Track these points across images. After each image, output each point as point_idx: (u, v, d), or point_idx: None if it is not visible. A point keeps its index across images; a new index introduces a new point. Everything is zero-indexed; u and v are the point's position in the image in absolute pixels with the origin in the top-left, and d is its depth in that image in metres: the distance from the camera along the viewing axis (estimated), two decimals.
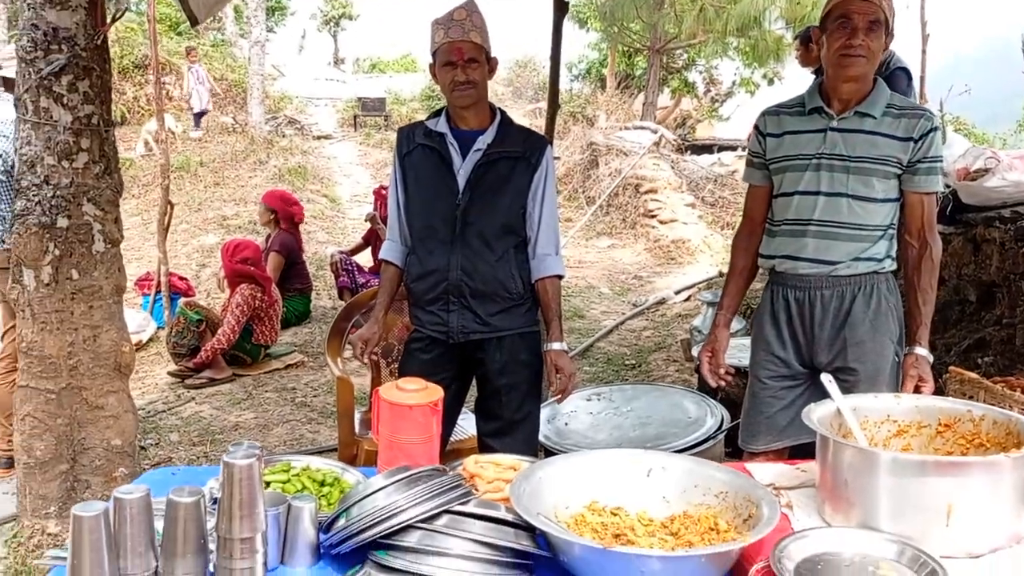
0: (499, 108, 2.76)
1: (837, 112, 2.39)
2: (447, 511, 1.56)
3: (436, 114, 2.73)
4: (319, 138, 15.28)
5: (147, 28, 18.32)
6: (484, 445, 2.75)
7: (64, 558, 1.63)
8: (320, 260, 8.31)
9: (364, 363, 2.98)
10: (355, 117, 16.38)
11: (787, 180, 2.48)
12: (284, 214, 6.47)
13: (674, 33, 16.27)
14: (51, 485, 3.19)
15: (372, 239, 7.00)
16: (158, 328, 6.38)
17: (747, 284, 2.73)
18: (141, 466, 3.46)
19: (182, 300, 6.60)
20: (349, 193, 11.90)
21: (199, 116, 14.62)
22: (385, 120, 16.00)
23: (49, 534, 3.17)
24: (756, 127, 2.63)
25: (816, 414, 1.82)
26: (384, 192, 6.41)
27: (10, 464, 3.92)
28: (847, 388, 1.92)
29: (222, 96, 15.75)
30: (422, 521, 1.54)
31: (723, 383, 2.65)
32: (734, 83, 22.47)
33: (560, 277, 2.76)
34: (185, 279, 6.96)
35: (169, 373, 5.50)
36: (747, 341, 3.55)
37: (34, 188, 3.08)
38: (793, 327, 2.51)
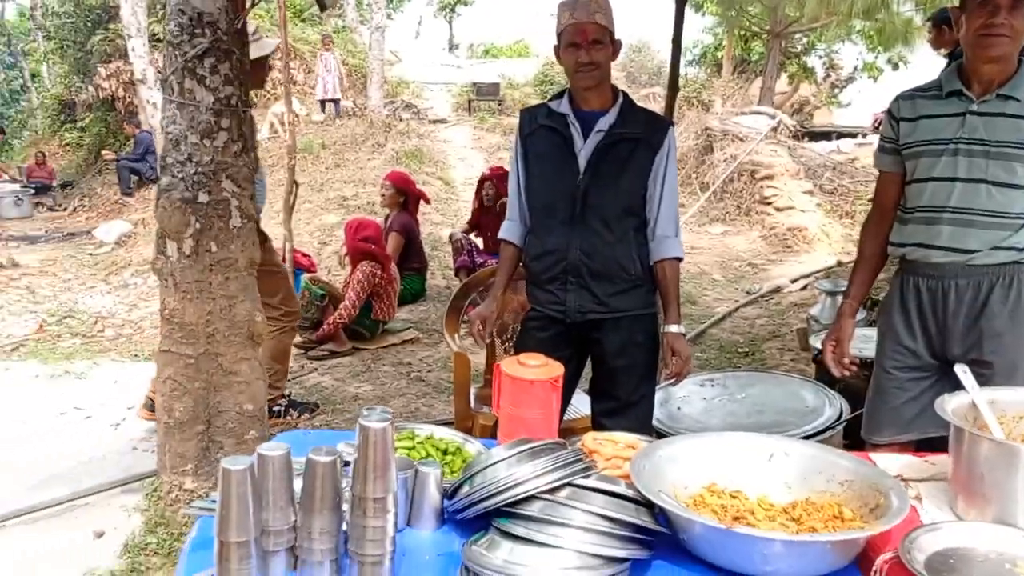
0: (621, 90, 2.77)
1: (977, 95, 2.29)
2: (569, 484, 1.60)
3: (559, 95, 2.76)
4: (434, 122, 15.52)
5: (274, 16, 18.96)
6: (598, 425, 2.78)
7: (209, 509, 1.76)
8: (435, 240, 8.47)
9: (480, 342, 3.04)
10: (469, 101, 16.56)
11: (921, 166, 2.40)
12: (414, 196, 6.65)
13: (795, 16, 15.77)
14: (188, 444, 3.39)
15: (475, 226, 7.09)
16: None
17: (875, 273, 2.66)
18: (269, 431, 3.63)
19: (305, 276, 6.85)
20: (463, 176, 12.07)
21: (323, 103, 15.05)
22: (499, 104, 16.12)
23: (185, 490, 3.37)
24: (889, 111, 2.55)
25: (949, 405, 1.77)
26: (492, 174, 6.49)
27: (280, 414, 4.34)
28: (982, 382, 1.84)
29: (348, 85, 16.14)
30: (544, 492, 1.58)
31: (847, 373, 2.59)
32: (856, 68, 21.66)
33: (679, 259, 2.76)
34: (308, 256, 7.20)
35: (294, 344, 5.74)
36: (868, 331, 3.46)
37: (178, 165, 3.27)
38: (924, 317, 2.43)
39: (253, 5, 3.38)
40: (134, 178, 13.75)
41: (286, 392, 4.50)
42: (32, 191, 14.84)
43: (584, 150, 2.64)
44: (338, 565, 1.55)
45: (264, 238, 4.24)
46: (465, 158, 13.11)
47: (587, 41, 2.55)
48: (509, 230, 2.89)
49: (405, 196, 6.73)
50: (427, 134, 14.19)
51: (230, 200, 3.32)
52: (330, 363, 5.53)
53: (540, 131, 2.74)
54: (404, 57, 22.02)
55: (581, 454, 1.72)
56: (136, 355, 5.90)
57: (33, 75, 31.87)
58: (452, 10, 33.81)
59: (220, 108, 3.25)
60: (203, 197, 3.27)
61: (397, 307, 6.13)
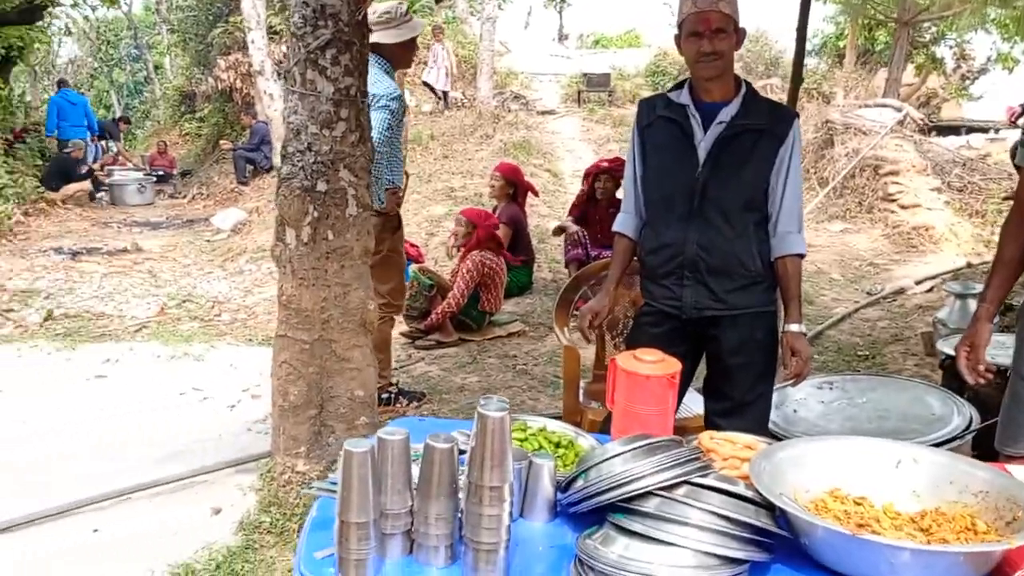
0: (745, 80, 2.69)
1: None
2: (686, 481, 1.57)
3: (679, 85, 2.70)
4: (543, 113, 15.51)
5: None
6: (712, 425, 2.71)
7: (330, 490, 1.79)
8: (541, 233, 8.47)
9: (589, 337, 3.00)
10: (579, 92, 16.49)
11: None
12: (523, 187, 6.65)
13: (925, 4, 15.09)
14: (301, 428, 3.48)
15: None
16: None
17: (1016, 276, 2.50)
18: (378, 417, 3.69)
19: (414, 266, 6.95)
20: (571, 168, 12.03)
21: (435, 92, 15.22)
22: (609, 96, 16.00)
23: (297, 472, 3.46)
24: None
25: None
26: (611, 165, 6.41)
27: (389, 401, 4.45)
28: None
29: (458, 76, 16.29)
30: (661, 489, 1.55)
31: (982, 381, 2.46)
32: (989, 59, 20.57)
33: (802, 256, 2.67)
34: (416, 246, 7.31)
35: (401, 333, 5.81)
36: (1001, 337, 3.28)
37: (298, 154, 3.34)
38: None
39: None
40: (249, 167, 14.21)
41: (394, 380, 4.57)
42: (154, 179, 15.51)
43: (704, 142, 2.58)
44: (453, 551, 1.56)
45: (398, 224, 4.34)
46: (573, 150, 13.06)
47: (710, 30, 2.49)
48: (624, 223, 2.85)
49: (514, 188, 6.76)
50: (535, 125, 14.19)
51: (347, 189, 3.38)
52: (436, 353, 5.60)
53: (659, 122, 2.69)
54: (513, 48, 22.12)
55: (699, 452, 1.68)
56: (250, 339, 6.09)
57: (156, 67, 33.41)
58: (563, 0, 33.77)
59: (340, 98, 3.30)
60: (321, 186, 3.34)
61: (504, 299, 6.15)
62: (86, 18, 27.85)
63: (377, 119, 3.96)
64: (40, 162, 15.27)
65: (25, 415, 4.53)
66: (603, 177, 6.19)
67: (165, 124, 24.98)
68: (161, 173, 16.52)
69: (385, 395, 4.40)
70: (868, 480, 1.68)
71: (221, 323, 6.63)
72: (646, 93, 16.67)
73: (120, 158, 17.96)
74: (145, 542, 3.25)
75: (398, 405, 4.47)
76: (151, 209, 13.93)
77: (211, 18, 18.41)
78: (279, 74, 10.58)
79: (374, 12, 4.16)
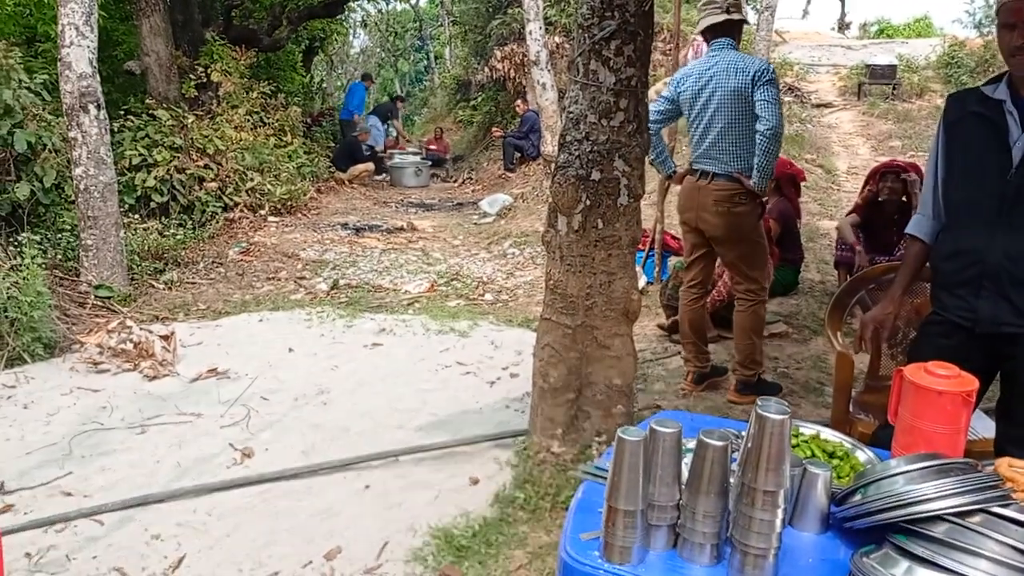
0: None
1: None
2: (983, 510, 1.45)
3: (995, 79, 2.47)
4: (818, 106, 14.74)
5: None
6: (1003, 452, 2.46)
7: (595, 474, 1.82)
8: (811, 231, 8.09)
9: (869, 347, 2.83)
10: (859, 85, 15.51)
11: None
12: (786, 179, 6.37)
13: None
14: (558, 410, 3.57)
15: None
16: (648, 282, 6.76)
17: None
18: (634, 406, 3.70)
19: (673, 258, 6.89)
20: (846, 165, 11.36)
21: None
22: (893, 90, 14.91)
23: (552, 452, 3.56)
24: None
25: None
26: (891, 167, 5.97)
27: (701, 379, 4.63)
28: None
29: None
30: (952, 514, 1.45)
31: None
32: None
33: None
34: (677, 238, 7.22)
35: (658, 326, 5.79)
36: None
37: (575, 143, 3.42)
38: None
39: None
40: (517, 154, 14.70)
41: (760, 370, 4.56)
42: (430, 163, 16.47)
43: (1020, 142, 2.34)
44: (719, 551, 1.54)
45: (762, 211, 4.36)
46: (850, 146, 12.32)
47: (1022, 21, 2.26)
48: (918, 225, 2.68)
49: (776, 181, 6.44)
50: (809, 119, 13.53)
51: (620, 179, 3.41)
52: None
53: (969, 119, 2.47)
54: (789, 38, 21.21)
55: (997, 479, 1.55)
56: (510, 320, 6.32)
57: (436, 57, 35.40)
58: None
59: (620, 89, 3.33)
60: (595, 175, 3.39)
61: (768, 298, 5.92)
62: (380, 11, 30.07)
63: (771, 95, 4.04)
64: (332, 144, 16.73)
65: (312, 375, 4.99)
66: (890, 177, 5.77)
67: (441, 111, 26.43)
68: (436, 158, 17.51)
69: (753, 380, 4.46)
70: None
71: (484, 302, 6.94)
72: (936, 87, 15.38)
73: (400, 139, 19.23)
74: (409, 502, 3.49)
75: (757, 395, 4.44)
76: (425, 191, 14.80)
77: (490, 10, 19.18)
78: (553, 64, 10.83)
79: None
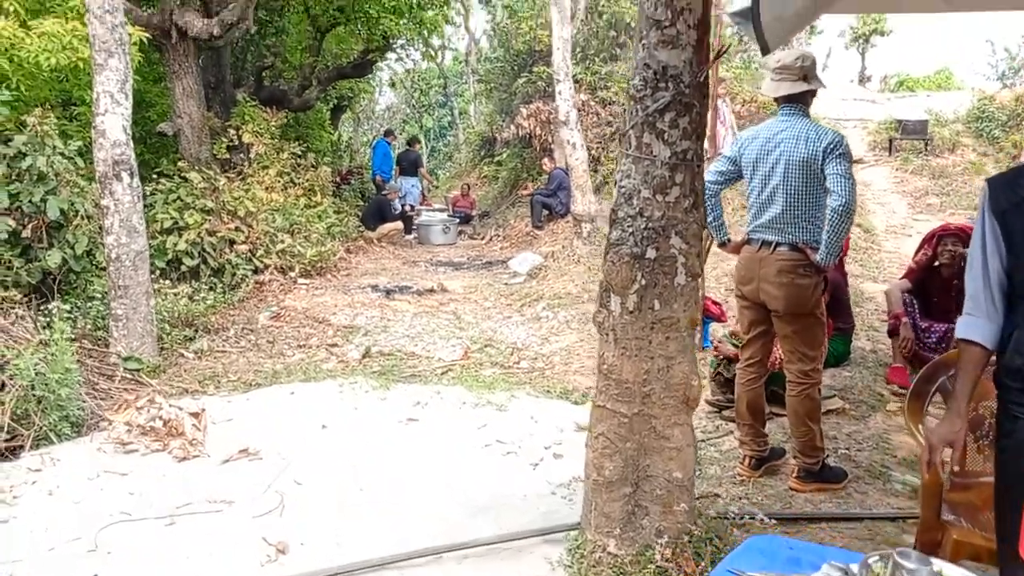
0: None
1: None
2: None
3: None
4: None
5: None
6: None
7: None
8: (855, 295, 7.83)
9: (941, 471, 2.54)
10: (890, 140, 15.32)
11: None
12: None
13: None
14: (614, 505, 3.33)
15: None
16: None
17: None
18: (695, 501, 3.45)
19: (715, 325, 6.66)
20: (884, 224, 11.10)
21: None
22: (926, 145, 14.69)
23: (609, 552, 3.30)
24: None
25: None
26: (949, 229, 5.75)
27: (759, 465, 4.39)
28: None
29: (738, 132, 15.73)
30: None
31: None
32: None
33: None
34: (718, 304, 7.01)
35: (706, 401, 5.53)
36: None
37: (628, 219, 3.23)
38: None
39: (718, 57, 3.25)
40: (545, 212, 14.58)
41: (823, 456, 4.29)
42: (457, 220, 16.40)
43: None
44: None
45: (825, 285, 4.17)
46: (886, 203, 12.07)
47: None
48: (970, 327, 2.38)
49: None
50: None
51: (677, 257, 3.21)
52: None
53: None
54: None
55: None
56: (548, 391, 6.10)
57: (461, 113, 35.76)
58: (867, 41, 31.83)
59: (676, 162, 3.16)
60: (651, 253, 3.20)
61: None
62: (408, 70, 30.41)
63: (844, 168, 3.85)
64: (360, 202, 16.73)
65: (346, 455, 4.78)
66: (948, 241, 5.55)
67: (465, 167, 26.52)
68: (463, 215, 17.46)
69: (816, 468, 4.20)
70: None
71: (520, 371, 6.72)
72: (967, 141, 15.13)
73: (427, 188, 19.17)
74: None
75: (827, 483, 4.22)
76: (454, 249, 14.69)
77: (516, 69, 19.27)
78: (582, 123, 10.74)
79: (779, 61, 4.07)
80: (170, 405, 5.15)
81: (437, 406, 5.73)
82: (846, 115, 18.21)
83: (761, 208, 4.10)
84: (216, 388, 6.14)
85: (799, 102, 4.10)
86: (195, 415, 5.12)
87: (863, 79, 30.08)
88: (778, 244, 4.03)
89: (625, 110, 3.28)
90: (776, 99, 4.19)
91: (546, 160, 15.23)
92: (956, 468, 3.05)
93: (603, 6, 17.49)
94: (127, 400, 5.29)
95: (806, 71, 4.05)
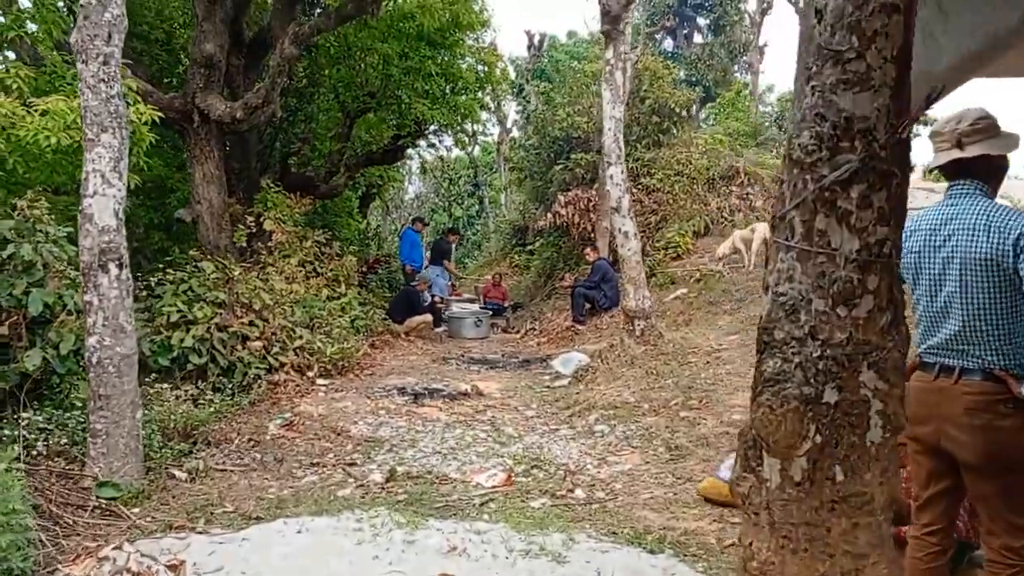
0: None
1: None
2: None
3: None
4: None
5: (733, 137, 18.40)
6: None
7: None
8: None
9: None
10: None
11: None
12: None
13: None
14: None
15: None
16: None
17: None
18: None
19: None
20: None
21: None
22: None
23: None
24: None
25: None
26: None
27: None
28: None
29: None
30: None
31: None
32: None
33: None
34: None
35: None
36: None
37: (794, 343, 2.15)
38: None
39: (931, 103, 2.22)
40: (587, 306, 13.57)
41: None
42: (489, 312, 15.41)
43: None
44: None
45: None
46: None
47: None
48: None
49: None
50: None
51: (870, 402, 2.11)
52: None
53: None
54: None
55: None
56: (614, 533, 4.93)
57: (491, 202, 35.34)
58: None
59: (867, 259, 2.09)
60: (831, 395, 2.10)
61: None
62: (440, 158, 30.03)
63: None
64: (388, 292, 15.82)
65: None
66: None
67: (496, 256, 25.73)
68: (496, 306, 16.49)
69: None
70: None
71: (576, 502, 5.56)
72: None
73: (453, 280, 18.24)
74: None
75: None
76: (487, 344, 13.66)
77: (552, 156, 18.59)
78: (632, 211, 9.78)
79: (959, 120, 3.04)
80: (142, 555, 4.05)
81: (477, 554, 4.57)
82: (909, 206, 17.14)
83: (933, 322, 3.03)
84: (207, 523, 5.01)
85: (971, 176, 3.05)
86: (172, 568, 4.02)
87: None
88: (964, 371, 2.93)
89: (784, 180, 2.22)
90: (944, 176, 3.14)
91: (589, 250, 14.30)
92: None
93: (645, 91, 16.83)
94: (87, 548, 4.19)
95: (961, 134, 3.01)
